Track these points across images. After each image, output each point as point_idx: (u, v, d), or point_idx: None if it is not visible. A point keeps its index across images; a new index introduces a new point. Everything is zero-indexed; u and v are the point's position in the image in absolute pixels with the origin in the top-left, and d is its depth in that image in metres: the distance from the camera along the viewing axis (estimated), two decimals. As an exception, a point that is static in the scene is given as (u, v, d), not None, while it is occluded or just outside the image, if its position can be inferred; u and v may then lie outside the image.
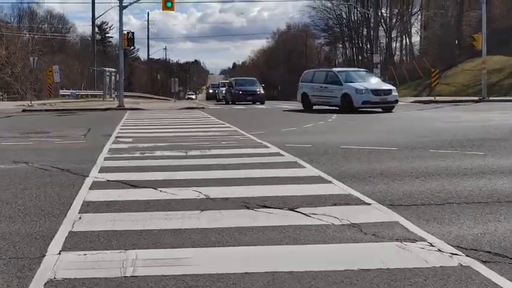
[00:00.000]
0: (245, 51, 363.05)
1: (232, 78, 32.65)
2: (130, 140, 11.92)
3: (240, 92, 34.12)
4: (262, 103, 32.84)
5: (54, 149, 10.34)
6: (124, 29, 27.39)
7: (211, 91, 54.92)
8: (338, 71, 24.09)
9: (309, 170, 7.40)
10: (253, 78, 37.80)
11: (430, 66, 50.58)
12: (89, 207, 5.51)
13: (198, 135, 12.70)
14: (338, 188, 6.23)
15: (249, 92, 34.18)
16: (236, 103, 33.56)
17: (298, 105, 25.73)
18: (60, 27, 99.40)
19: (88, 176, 7.15)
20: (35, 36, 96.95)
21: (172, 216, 5.11)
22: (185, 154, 9.22)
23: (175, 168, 7.74)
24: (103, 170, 7.67)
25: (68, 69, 71.21)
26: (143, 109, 26.51)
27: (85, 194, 6.10)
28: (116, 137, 12.50)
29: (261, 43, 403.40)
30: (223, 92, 40.68)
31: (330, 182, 6.56)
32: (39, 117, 21.74)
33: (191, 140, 11.68)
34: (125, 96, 73.39)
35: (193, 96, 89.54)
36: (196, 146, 10.35)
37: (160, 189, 6.22)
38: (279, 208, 5.28)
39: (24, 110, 26.02)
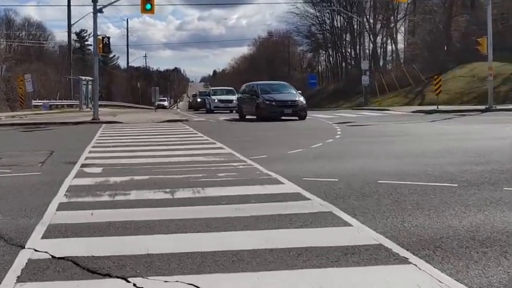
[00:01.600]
0: (224, 58, 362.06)
1: (254, 83, 27.88)
2: (99, 170, 9.37)
3: (273, 103, 23.96)
4: (302, 118, 24.15)
5: (-8, 188, 7.74)
6: (105, 37, 24.76)
7: (199, 100, 49.26)
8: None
9: (360, 231, 4.89)
10: (285, 83, 30.27)
11: (420, 73, 48.82)
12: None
13: (186, 162, 10.18)
14: (430, 278, 3.75)
15: (286, 103, 24.14)
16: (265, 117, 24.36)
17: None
18: (38, 35, 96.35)
19: (23, 247, 4.62)
20: (12, 44, 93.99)
21: None
22: (171, 197, 6.72)
23: (156, 227, 5.23)
24: (50, 231, 5.14)
25: (45, 78, 68.15)
26: (121, 122, 23.90)
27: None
28: (82, 165, 9.94)
29: (241, 50, 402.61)
30: (215, 101, 37.99)
31: (406, 260, 4.10)
32: (-1, 134, 19.10)
33: (177, 169, 9.17)
34: (104, 106, 70.89)
35: (165, 103, 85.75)
36: (185, 181, 7.84)
37: (133, 280, 3.75)
38: None
39: (-15, 125, 23.30)
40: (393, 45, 68.28)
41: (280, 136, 15.55)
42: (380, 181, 7.35)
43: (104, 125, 22.71)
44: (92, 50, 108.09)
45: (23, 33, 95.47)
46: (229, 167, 9.30)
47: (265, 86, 25.99)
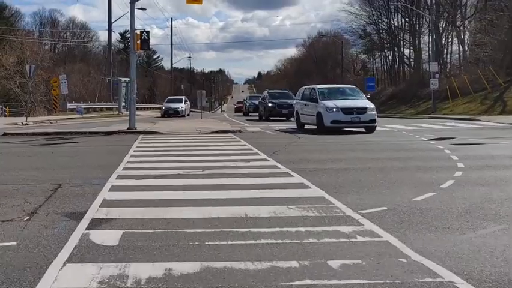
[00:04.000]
0: (268, 60, 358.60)
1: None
2: (119, 235, 5.40)
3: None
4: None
5: None
6: (143, 31, 20.95)
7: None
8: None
9: None
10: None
11: (497, 76, 43.44)
12: None
13: (254, 217, 6.11)
14: None
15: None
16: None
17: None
18: (83, 35, 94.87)
19: None
20: (57, 45, 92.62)
21: None
22: None
23: None
24: None
25: (87, 79, 65.90)
26: (161, 133, 20.05)
27: None
28: (92, 224, 5.99)
29: (286, 52, 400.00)
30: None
31: None
32: (11, 148, 15.46)
33: (246, 236, 5.11)
34: (145, 109, 67.80)
35: (181, 107, 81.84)
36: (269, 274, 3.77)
37: None
38: None
39: (5, 134, 19.84)
40: (461, 46, 62.59)
41: (373, 161, 11.32)
42: None
43: (141, 136, 18.89)
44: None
45: (67, 33, 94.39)
46: (340, 242, 5.15)
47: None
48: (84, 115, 37.25)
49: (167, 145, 15.39)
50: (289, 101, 29.89)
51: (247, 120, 33.15)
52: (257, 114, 35.40)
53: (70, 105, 41.36)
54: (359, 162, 11.13)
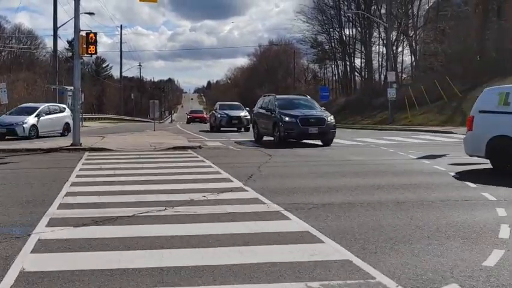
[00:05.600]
0: (217, 70, 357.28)
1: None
2: None
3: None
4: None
5: None
6: (90, 33, 18.24)
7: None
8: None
9: None
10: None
11: (453, 86, 42.46)
12: None
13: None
14: None
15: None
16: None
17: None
18: (29, 43, 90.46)
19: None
20: (2, 53, 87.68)
21: None
22: None
23: None
24: None
25: (32, 88, 62.06)
26: (110, 149, 17.39)
27: None
28: None
29: (234, 62, 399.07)
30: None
31: None
32: None
33: None
34: (94, 119, 64.12)
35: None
36: None
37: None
38: None
39: None
40: (413, 56, 62.13)
41: (378, 191, 9.15)
42: None
43: (86, 154, 16.21)
44: (85, 59, 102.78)
45: (13, 40, 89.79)
46: None
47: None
48: (24, 127, 33.70)
49: (118, 167, 12.81)
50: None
51: (203, 131, 31.08)
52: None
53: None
54: (361, 193, 8.92)
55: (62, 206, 7.95)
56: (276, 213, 7.39)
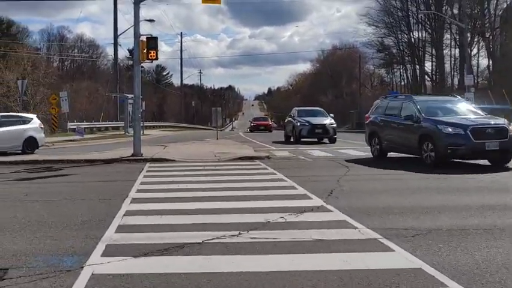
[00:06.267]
0: (277, 76, 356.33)
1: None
2: None
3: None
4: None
5: None
6: (150, 38, 17.49)
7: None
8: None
9: None
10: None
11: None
12: None
13: None
14: None
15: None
16: None
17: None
18: (91, 52, 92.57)
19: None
20: (65, 62, 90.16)
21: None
22: None
23: None
24: None
25: (94, 97, 63.12)
26: (173, 160, 16.48)
27: None
28: None
29: (294, 68, 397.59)
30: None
31: None
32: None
33: None
34: (154, 127, 64.24)
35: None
36: None
37: None
38: None
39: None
40: (490, 59, 58.83)
41: None
42: None
43: (147, 165, 15.34)
44: (146, 68, 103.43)
45: (76, 50, 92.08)
46: None
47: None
48: (87, 136, 33.74)
49: (182, 180, 11.76)
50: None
51: (277, 142, 28.24)
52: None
53: (70, 125, 37.82)
54: (469, 215, 7.46)
55: (121, 229, 6.91)
56: (373, 241, 6.07)
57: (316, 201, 8.76)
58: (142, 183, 11.49)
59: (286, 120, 30.02)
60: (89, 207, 8.63)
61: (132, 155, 17.23)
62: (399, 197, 9.21)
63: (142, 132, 23.71)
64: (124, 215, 7.83)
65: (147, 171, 13.94)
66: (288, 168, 13.89)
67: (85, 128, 36.54)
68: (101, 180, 12.48)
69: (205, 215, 7.67)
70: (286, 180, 11.42)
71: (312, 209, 8.01)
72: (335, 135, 25.91)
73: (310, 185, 10.50)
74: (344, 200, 8.82)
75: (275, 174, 12.70)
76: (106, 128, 46.63)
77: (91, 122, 46.00)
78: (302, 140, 26.01)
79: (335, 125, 26.28)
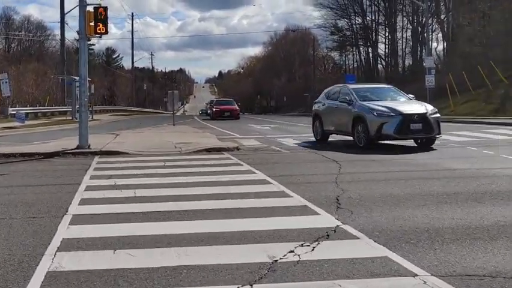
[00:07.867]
0: (227, 59, 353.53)
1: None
2: None
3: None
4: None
5: None
6: (99, 7, 14.65)
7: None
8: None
9: None
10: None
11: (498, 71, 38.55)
12: None
13: None
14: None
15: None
16: None
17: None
18: (38, 34, 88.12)
19: None
20: (11, 45, 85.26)
21: None
22: None
23: None
24: None
25: (40, 79, 59.54)
26: (126, 153, 13.89)
27: None
28: None
29: (244, 51, 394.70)
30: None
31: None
32: None
33: None
34: (106, 112, 60.86)
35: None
36: None
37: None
38: None
39: None
40: (444, 41, 58.11)
41: None
42: None
43: (96, 160, 12.72)
44: (95, 50, 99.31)
45: (22, 32, 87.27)
46: None
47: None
48: (30, 122, 30.42)
49: (138, 183, 9.25)
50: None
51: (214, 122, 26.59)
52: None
53: (11, 110, 34.29)
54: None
55: (51, 279, 4.42)
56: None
57: (326, 218, 6.45)
58: (87, 188, 8.94)
59: (319, 106, 18.35)
60: (6, 236, 6.01)
61: (77, 147, 14.50)
62: (419, 208, 6.99)
63: (91, 117, 20.95)
64: (58, 249, 5.31)
65: (95, 169, 11.36)
66: (265, 164, 11.57)
67: (27, 113, 33.16)
68: (35, 184, 9.75)
69: (175, 247, 5.25)
70: (271, 183, 9.08)
71: (327, 235, 5.67)
72: (440, 133, 15.12)
73: (305, 190, 8.21)
74: (360, 214, 6.55)
75: (254, 173, 10.34)
76: (52, 113, 43.15)
77: (38, 106, 42.44)
78: (380, 142, 15.24)
79: (438, 115, 15.29)
